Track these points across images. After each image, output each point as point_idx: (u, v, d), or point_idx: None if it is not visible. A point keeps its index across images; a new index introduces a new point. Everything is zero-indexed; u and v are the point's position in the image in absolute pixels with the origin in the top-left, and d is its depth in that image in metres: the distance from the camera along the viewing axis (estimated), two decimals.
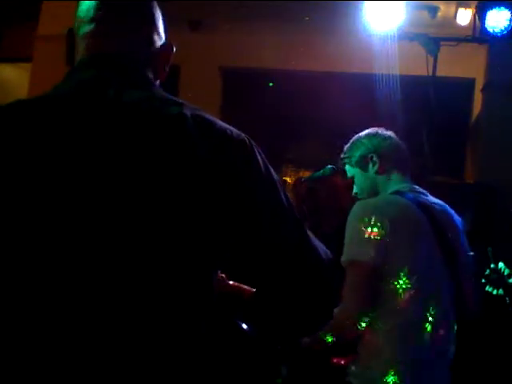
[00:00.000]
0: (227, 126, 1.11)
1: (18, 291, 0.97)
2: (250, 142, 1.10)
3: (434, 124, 4.35)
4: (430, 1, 5.70)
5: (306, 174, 7.40)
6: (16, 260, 0.97)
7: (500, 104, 5.30)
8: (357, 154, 2.08)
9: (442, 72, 4.43)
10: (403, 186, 1.97)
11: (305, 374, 3.02)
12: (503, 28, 4.23)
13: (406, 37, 4.55)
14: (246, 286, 1.74)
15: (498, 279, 2.18)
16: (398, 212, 1.85)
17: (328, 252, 1.11)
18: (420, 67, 4.38)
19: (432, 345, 1.81)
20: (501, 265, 2.19)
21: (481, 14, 4.34)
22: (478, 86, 6.14)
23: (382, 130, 2.10)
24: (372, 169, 2.04)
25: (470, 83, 6.54)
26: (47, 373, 0.95)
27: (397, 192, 1.95)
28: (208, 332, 1.04)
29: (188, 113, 1.06)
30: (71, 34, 1.16)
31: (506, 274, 2.18)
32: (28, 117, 1.02)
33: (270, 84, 8.18)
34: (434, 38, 4.35)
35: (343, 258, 1.81)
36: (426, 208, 1.87)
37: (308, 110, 7.25)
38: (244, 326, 1.23)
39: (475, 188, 4.80)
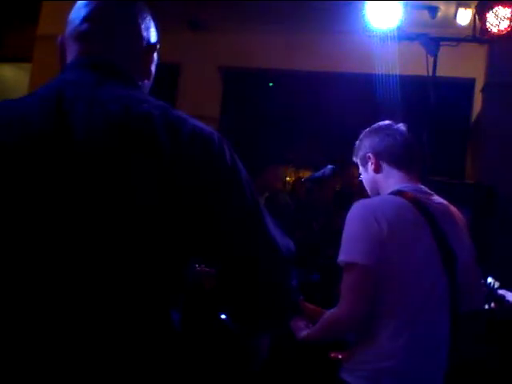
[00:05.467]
0: (198, 123, 1.13)
1: None
2: (219, 139, 1.13)
3: (433, 124, 4.34)
4: (430, 1, 5.70)
5: (306, 174, 7.41)
6: None
7: (500, 104, 5.30)
8: (360, 152, 2.07)
9: (441, 72, 4.42)
10: (405, 186, 1.93)
11: (301, 368, 3.03)
12: (503, 28, 4.23)
13: (406, 37, 4.54)
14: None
15: (488, 293, 2.18)
16: (395, 213, 1.82)
17: (291, 247, 1.16)
18: (420, 67, 4.37)
19: (424, 347, 1.81)
20: (490, 279, 2.19)
21: (481, 13, 4.34)
22: (478, 86, 6.15)
23: (387, 126, 2.04)
24: (370, 167, 2.02)
25: (470, 83, 6.54)
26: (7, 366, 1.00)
27: (397, 192, 1.92)
28: (173, 326, 1.08)
29: (157, 111, 1.09)
30: (63, 41, 1.24)
31: (495, 287, 2.18)
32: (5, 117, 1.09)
33: (270, 84, 8.18)
34: (434, 38, 4.34)
35: (341, 258, 1.80)
36: (425, 209, 1.85)
37: (308, 110, 7.25)
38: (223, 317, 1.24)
39: (475, 188, 4.79)
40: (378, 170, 2.00)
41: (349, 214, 1.85)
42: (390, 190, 1.96)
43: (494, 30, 4.25)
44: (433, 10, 5.71)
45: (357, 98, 6.01)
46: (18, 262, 1.02)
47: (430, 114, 4.33)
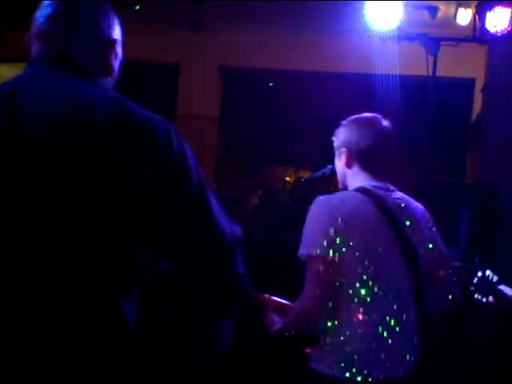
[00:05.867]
0: (147, 113, 1.17)
1: None
2: (166, 127, 1.17)
3: (434, 124, 4.34)
4: (430, 1, 5.70)
5: (306, 174, 7.41)
6: None
7: (500, 104, 5.30)
8: (338, 139, 2.11)
9: (441, 72, 4.42)
10: (369, 183, 1.99)
11: (277, 365, 3.08)
12: (503, 28, 4.23)
13: (406, 37, 4.54)
14: None
15: (487, 287, 2.20)
16: (354, 209, 1.89)
17: (238, 233, 1.20)
18: (420, 67, 4.37)
19: (385, 337, 1.87)
20: (488, 272, 2.20)
21: (481, 13, 4.34)
22: (478, 86, 6.14)
23: (370, 122, 2.06)
24: (342, 160, 2.08)
25: (470, 83, 6.54)
26: None
27: (360, 188, 1.98)
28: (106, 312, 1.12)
29: (103, 102, 1.14)
30: (29, 38, 1.30)
31: (494, 281, 2.20)
32: None
33: (270, 84, 8.18)
34: (434, 38, 4.34)
35: (302, 251, 1.88)
36: (385, 206, 1.92)
37: (308, 110, 7.26)
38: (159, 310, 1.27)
39: (475, 188, 4.79)
40: (349, 166, 2.06)
41: (310, 210, 1.92)
42: (355, 186, 2.02)
43: (494, 30, 4.25)
44: (433, 10, 5.71)
45: (357, 98, 6.01)
46: None
47: (430, 113, 4.33)
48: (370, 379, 1.82)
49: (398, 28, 4.41)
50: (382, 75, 5.41)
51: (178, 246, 1.14)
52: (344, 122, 2.11)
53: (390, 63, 5.22)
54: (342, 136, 2.08)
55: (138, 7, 6.24)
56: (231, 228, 1.19)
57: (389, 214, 1.91)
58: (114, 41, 1.32)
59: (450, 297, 2.05)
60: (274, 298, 2.10)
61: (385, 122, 2.07)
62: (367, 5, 4.36)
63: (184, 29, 6.94)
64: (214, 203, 1.18)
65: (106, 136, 1.10)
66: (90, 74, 1.24)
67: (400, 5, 4.37)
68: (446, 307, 2.09)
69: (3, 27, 6.98)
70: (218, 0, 6.00)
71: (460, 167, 6.68)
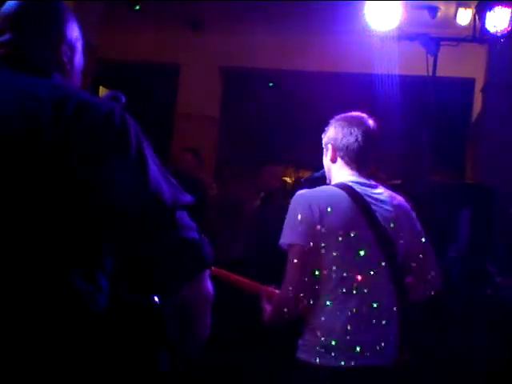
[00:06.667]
0: (86, 97, 1.21)
1: None
2: (108, 106, 1.20)
3: (434, 124, 4.34)
4: (430, 1, 5.70)
5: (306, 174, 7.41)
6: None
7: (500, 104, 5.30)
8: (325, 136, 2.25)
9: (441, 72, 4.42)
10: (350, 180, 2.10)
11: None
12: (503, 28, 4.23)
13: (406, 37, 4.55)
14: None
15: (487, 280, 2.24)
16: (328, 202, 2.00)
17: (184, 198, 1.22)
18: (420, 67, 4.37)
19: (363, 324, 1.95)
20: (487, 266, 2.25)
21: (481, 14, 4.34)
22: (478, 86, 6.15)
23: (355, 121, 2.17)
24: (328, 156, 2.21)
25: (470, 83, 6.54)
26: None
27: (339, 184, 2.11)
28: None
29: (46, 92, 1.18)
30: None
31: (492, 274, 2.24)
32: None
33: (270, 84, 8.18)
34: (434, 38, 4.34)
35: (281, 241, 2.00)
36: (360, 199, 2.03)
37: (308, 110, 7.25)
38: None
39: (475, 188, 4.79)
40: (333, 161, 2.19)
41: (290, 203, 2.06)
42: (337, 181, 2.15)
43: (494, 30, 4.25)
44: (433, 10, 5.71)
45: (357, 98, 6.02)
46: None
47: (430, 113, 4.33)
48: (350, 366, 1.90)
49: (398, 28, 4.41)
50: (382, 75, 5.41)
51: (116, 213, 1.16)
52: (332, 120, 2.24)
53: (390, 63, 5.22)
54: (329, 133, 2.22)
55: (138, 7, 6.24)
56: (173, 192, 1.20)
57: (364, 206, 2.02)
58: (70, 38, 1.36)
59: (432, 287, 2.13)
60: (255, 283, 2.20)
61: (370, 122, 2.18)
62: (367, 5, 4.36)
63: (184, 29, 6.94)
64: (154, 169, 1.20)
65: (51, 122, 1.14)
66: (45, 71, 1.28)
67: (400, 5, 4.37)
68: (425, 297, 2.16)
69: None
70: (218, 0, 6.00)
71: (460, 167, 6.68)
